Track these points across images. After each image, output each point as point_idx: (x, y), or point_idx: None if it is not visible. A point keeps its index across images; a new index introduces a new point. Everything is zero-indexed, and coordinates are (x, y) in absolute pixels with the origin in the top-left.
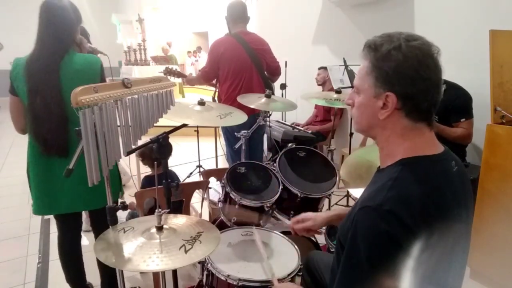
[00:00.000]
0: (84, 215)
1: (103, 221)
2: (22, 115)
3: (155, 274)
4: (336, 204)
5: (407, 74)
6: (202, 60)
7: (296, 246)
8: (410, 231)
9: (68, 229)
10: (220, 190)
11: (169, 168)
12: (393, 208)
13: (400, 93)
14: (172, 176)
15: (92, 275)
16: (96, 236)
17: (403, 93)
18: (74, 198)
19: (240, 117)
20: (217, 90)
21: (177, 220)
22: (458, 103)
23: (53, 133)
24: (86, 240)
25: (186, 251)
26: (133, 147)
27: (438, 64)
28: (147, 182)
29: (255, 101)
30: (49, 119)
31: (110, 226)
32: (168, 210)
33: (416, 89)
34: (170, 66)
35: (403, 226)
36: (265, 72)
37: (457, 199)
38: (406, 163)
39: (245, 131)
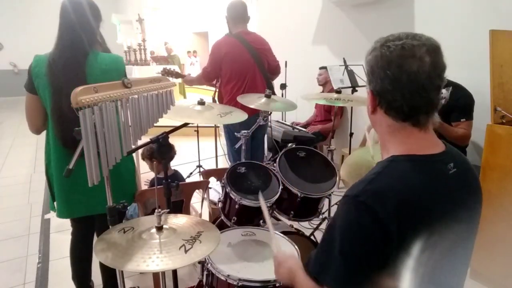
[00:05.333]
0: None
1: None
2: (39, 114)
3: (155, 274)
4: (336, 204)
5: (377, 73)
6: (201, 62)
7: (296, 246)
8: (383, 225)
9: (85, 230)
10: (220, 190)
11: (174, 169)
12: (367, 200)
13: (373, 90)
14: (178, 177)
15: (93, 272)
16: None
17: (375, 90)
18: (100, 199)
19: (240, 116)
20: (217, 90)
21: (177, 220)
22: (459, 104)
23: None
24: None
25: (186, 251)
26: (133, 147)
27: (418, 66)
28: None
29: (255, 101)
30: (76, 119)
31: (110, 226)
32: (168, 210)
33: (384, 88)
34: (168, 67)
35: (375, 219)
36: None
37: (452, 200)
38: (394, 160)
39: (245, 131)
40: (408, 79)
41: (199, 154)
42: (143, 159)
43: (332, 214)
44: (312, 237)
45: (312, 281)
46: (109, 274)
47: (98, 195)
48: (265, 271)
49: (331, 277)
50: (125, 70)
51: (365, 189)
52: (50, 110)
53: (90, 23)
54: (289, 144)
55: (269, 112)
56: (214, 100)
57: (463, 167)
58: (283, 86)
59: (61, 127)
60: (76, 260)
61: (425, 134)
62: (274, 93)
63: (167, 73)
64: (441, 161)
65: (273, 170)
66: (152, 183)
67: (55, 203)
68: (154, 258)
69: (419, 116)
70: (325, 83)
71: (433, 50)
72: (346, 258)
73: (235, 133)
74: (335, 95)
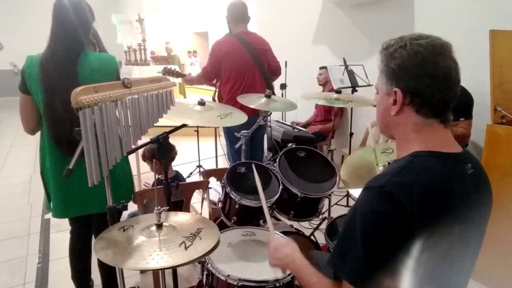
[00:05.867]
0: None
1: (104, 221)
2: (33, 114)
3: (155, 274)
4: (336, 204)
5: (411, 70)
6: (200, 62)
7: None
8: (407, 216)
9: (82, 230)
10: (220, 190)
11: (176, 170)
12: (393, 191)
13: (405, 88)
14: (180, 178)
15: (93, 272)
16: (96, 235)
17: (408, 88)
18: (94, 199)
19: (240, 117)
20: (217, 90)
21: (177, 218)
22: (458, 103)
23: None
24: None
25: (186, 248)
26: (133, 147)
27: (449, 62)
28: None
29: (255, 101)
30: (69, 119)
31: (109, 225)
32: (167, 207)
33: (421, 85)
34: (169, 66)
35: (400, 210)
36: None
37: (467, 200)
38: (418, 155)
39: (245, 131)
40: (444, 74)
41: (199, 154)
42: (144, 160)
43: (332, 214)
44: (312, 237)
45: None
46: (107, 273)
47: (93, 195)
48: (265, 271)
49: (349, 267)
50: (118, 70)
51: (390, 181)
52: (42, 110)
53: (82, 22)
54: (289, 144)
55: (269, 113)
56: (214, 100)
57: (478, 169)
58: (283, 86)
59: (54, 126)
60: (75, 260)
61: (448, 132)
62: (273, 93)
63: (167, 72)
64: (462, 160)
65: (273, 170)
66: (153, 185)
67: (51, 203)
68: (154, 256)
69: (447, 112)
70: (325, 83)
71: (452, 48)
72: (368, 249)
73: (235, 133)
74: (335, 95)
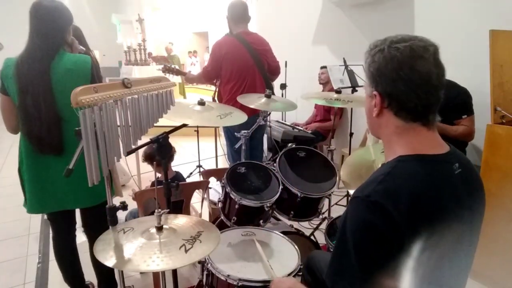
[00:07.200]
0: None
1: (94, 220)
2: (13, 115)
3: (155, 274)
4: (336, 204)
5: (386, 75)
6: (200, 62)
7: (296, 246)
8: (395, 224)
9: (62, 228)
10: (220, 190)
11: (176, 170)
12: (379, 200)
13: (382, 92)
14: (180, 179)
15: (92, 274)
16: (88, 235)
17: (385, 92)
18: (68, 196)
19: (240, 117)
20: (217, 89)
21: (177, 220)
22: (458, 101)
23: (45, 132)
24: (85, 238)
25: (186, 251)
26: (133, 147)
27: (428, 66)
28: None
29: (255, 101)
30: (40, 118)
31: (110, 227)
32: (167, 210)
33: (397, 90)
34: (168, 64)
35: (389, 218)
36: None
37: (456, 201)
38: (402, 160)
39: (245, 131)
40: (421, 79)
41: (199, 154)
42: (144, 161)
43: (332, 214)
44: (312, 237)
45: None
46: (102, 270)
47: (68, 191)
48: (265, 271)
49: (346, 282)
50: (93, 71)
51: (376, 189)
52: (17, 109)
53: (58, 24)
54: (289, 144)
55: (268, 113)
56: (214, 100)
57: (467, 167)
58: (283, 86)
59: (26, 124)
60: (60, 259)
61: (432, 134)
62: (273, 93)
63: (168, 70)
64: (447, 161)
65: (273, 170)
66: (153, 185)
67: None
68: (154, 258)
69: (429, 115)
70: (326, 82)
71: (437, 50)
72: (362, 261)
73: (235, 133)
74: (335, 95)
